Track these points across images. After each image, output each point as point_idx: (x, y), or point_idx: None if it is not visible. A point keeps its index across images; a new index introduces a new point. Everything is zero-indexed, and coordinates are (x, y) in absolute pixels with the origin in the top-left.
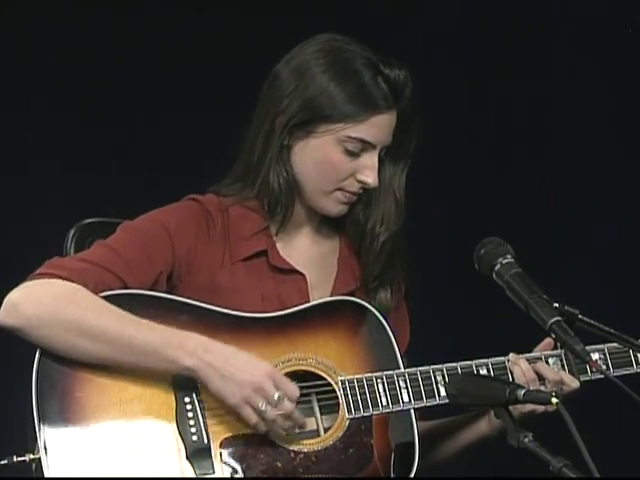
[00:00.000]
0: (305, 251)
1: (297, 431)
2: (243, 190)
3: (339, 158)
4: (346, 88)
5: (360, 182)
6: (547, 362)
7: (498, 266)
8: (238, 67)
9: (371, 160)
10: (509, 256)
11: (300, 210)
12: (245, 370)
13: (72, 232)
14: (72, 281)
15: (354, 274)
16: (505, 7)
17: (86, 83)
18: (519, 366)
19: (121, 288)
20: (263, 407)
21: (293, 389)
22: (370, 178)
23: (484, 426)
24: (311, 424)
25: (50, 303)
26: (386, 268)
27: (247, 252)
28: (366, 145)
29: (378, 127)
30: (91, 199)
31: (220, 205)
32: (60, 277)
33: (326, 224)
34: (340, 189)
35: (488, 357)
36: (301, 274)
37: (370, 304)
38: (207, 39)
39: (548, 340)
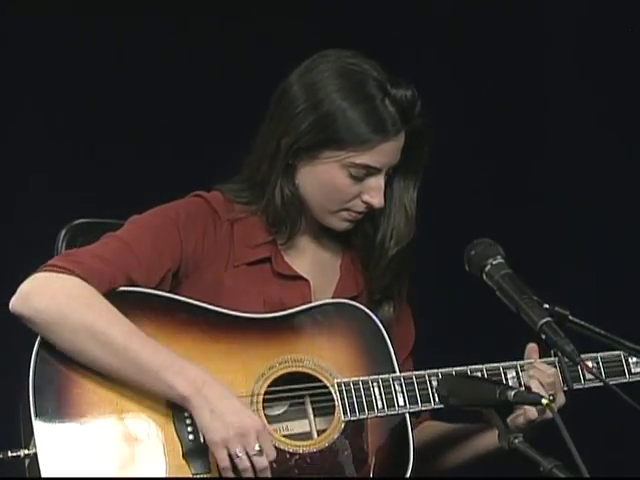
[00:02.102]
0: (309, 256)
1: (290, 432)
2: (249, 202)
3: (344, 182)
4: (357, 110)
5: (365, 203)
6: None
7: (488, 267)
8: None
9: (377, 182)
10: (499, 257)
11: (306, 219)
12: (236, 415)
13: (63, 232)
14: (87, 281)
15: (356, 282)
16: (500, 10)
17: (81, 83)
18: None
19: (127, 285)
20: (239, 454)
21: (273, 450)
22: (375, 199)
23: (493, 439)
24: (304, 426)
25: (63, 302)
26: (392, 282)
27: (251, 257)
28: (371, 170)
29: (383, 154)
30: (83, 200)
31: (227, 206)
32: (75, 274)
33: (331, 229)
34: (346, 209)
35: (481, 360)
36: (305, 280)
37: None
38: (206, 37)
39: (531, 345)
